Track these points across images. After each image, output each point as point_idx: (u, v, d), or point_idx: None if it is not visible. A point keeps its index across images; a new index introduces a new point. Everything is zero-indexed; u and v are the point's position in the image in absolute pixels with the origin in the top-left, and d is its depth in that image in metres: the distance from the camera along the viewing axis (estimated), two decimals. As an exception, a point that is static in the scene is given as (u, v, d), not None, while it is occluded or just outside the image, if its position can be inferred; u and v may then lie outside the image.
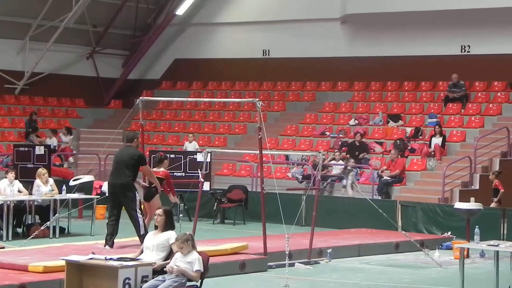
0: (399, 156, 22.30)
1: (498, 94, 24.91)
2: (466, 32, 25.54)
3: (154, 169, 14.86)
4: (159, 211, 10.56)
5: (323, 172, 21.35)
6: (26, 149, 22.54)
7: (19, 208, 17.18)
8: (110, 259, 9.98)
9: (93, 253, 10.45)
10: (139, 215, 13.71)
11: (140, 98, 15.54)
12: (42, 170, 17.72)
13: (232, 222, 20.56)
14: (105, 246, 13.76)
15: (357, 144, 23.60)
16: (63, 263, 10.38)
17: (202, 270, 9.92)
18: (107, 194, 20.75)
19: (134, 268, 9.82)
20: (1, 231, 16.63)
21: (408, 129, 24.32)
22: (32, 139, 25.96)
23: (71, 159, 26.56)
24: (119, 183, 13.69)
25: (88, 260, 10.06)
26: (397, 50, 26.51)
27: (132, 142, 14.00)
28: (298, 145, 25.36)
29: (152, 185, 14.40)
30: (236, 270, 13.29)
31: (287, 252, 13.07)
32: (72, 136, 26.85)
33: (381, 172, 21.98)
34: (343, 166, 22.78)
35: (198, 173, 16.19)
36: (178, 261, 9.90)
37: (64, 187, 17.64)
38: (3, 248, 14.51)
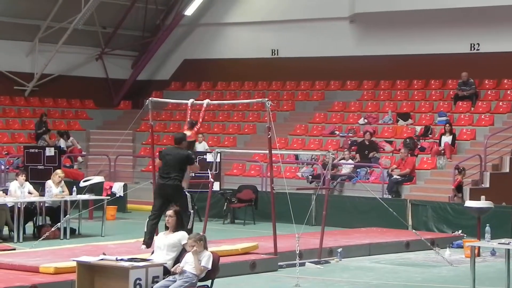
0: (409, 155, 22.28)
1: (508, 92, 24.85)
2: (475, 30, 25.49)
3: (186, 133, 14.85)
4: (170, 212, 10.57)
5: (332, 172, 21.33)
6: (36, 150, 22.60)
7: (30, 210, 17.23)
8: (121, 259, 10.00)
9: (104, 253, 10.48)
10: (191, 211, 13.92)
11: (150, 99, 15.55)
12: (59, 171, 17.85)
13: (242, 222, 20.57)
14: (142, 245, 13.75)
15: (367, 143, 23.58)
16: (74, 264, 10.41)
17: (209, 267, 9.92)
18: (117, 195, 21.00)
19: (145, 268, 9.84)
20: (12, 232, 16.69)
21: (418, 128, 24.28)
22: (46, 139, 26.06)
23: (79, 158, 26.60)
24: (170, 184, 13.80)
25: (99, 261, 10.09)
26: (406, 49, 26.48)
27: (181, 144, 14.16)
28: (308, 145, 25.35)
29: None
30: (246, 270, 13.30)
31: (297, 252, 13.06)
32: (72, 138, 26.80)
33: (391, 171, 21.96)
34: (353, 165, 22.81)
35: (208, 173, 16.19)
36: (190, 261, 9.92)
37: (74, 188, 17.68)
38: (14, 249, 14.57)
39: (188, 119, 15.33)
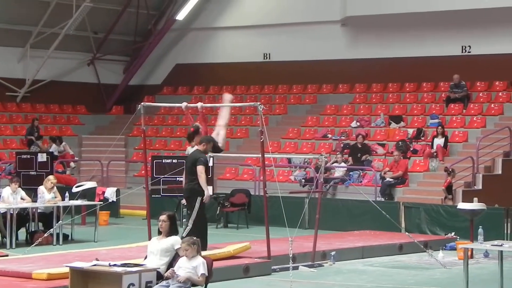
0: (402, 157, 22.30)
1: (500, 94, 24.92)
2: (467, 32, 25.56)
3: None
4: (163, 217, 10.54)
5: (325, 175, 21.32)
6: (28, 156, 22.57)
7: (23, 216, 17.18)
8: (114, 265, 9.98)
9: (96, 259, 10.45)
10: (192, 221, 13.51)
11: (142, 103, 15.54)
12: (51, 177, 17.80)
13: (236, 226, 20.55)
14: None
15: (359, 146, 23.60)
16: (67, 270, 10.38)
17: (207, 274, 9.93)
18: (110, 200, 20.97)
19: (138, 273, 9.81)
20: (4, 239, 16.64)
21: (410, 130, 24.33)
22: (39, 145, 26.01)
23: (72, 164, 26.56)
24: (186, 188, 13.83)
25: (92, 267, 10.06)
26: (398, 52, 26.53)
27: (200, 145, 14.02)
28: (300, 148, 25.36)
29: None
30: (240, 274, 13.28)
31: (290, 255, 13.05)
32: (64, 143, 26.75)
33: (383, 174, 21.98)
34: (345, 169, 22.83)
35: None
36: (183, 266, 9.91)
37: (67, 194, 17.64)
38: (7, 256, 14.51)
39: (191, 128, 14.76)
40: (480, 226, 13.18)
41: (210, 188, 19.21)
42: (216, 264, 11.17)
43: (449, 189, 20.41)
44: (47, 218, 17.29)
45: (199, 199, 13.63)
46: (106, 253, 13.81)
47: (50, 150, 25.08)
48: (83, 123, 29.92)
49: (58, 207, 17.10)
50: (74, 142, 28.23)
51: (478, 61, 25.23)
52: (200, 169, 13.58)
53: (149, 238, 13.05)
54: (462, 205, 16.25)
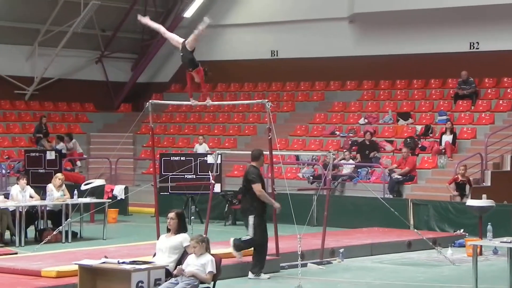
0: (410, 154, 22.27)
1: (508, 90, 24.86)
2: (475, 29, 25.50)
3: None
4: (172, 215, 10.56)
5: (333, 172, 21.31)
6: (37, 154, 22.62)
7: (31, 214, 17.22)
8: (123, 262, 10.00)
9: (105, 257, 10.48)
10: (251, 237, 13.31)
11: (150, 101, 15.56)
12: (59, 175, 17.85)
13: (244, 224, 20.51)
14: None
15: (367, 143, 23.57)
16: (76, 267, 10.41)
17: (215, 271, 9.95)
18: (118, 198, 21.01)
19: (147, 271, 9.84)
20: (13, 236, 16.69)
21: (418, 127, 24.29)
22: (44, 144, 26.04)
23: (78, 163, 26.58)
24: (242, 207, 13.71)
25: (101, 264, 10.09)
26: (406, 48, 26.48)
27: (258, 161, 13.50)
28: (308, 145, 25.35)
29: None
30: (248, 272, 13.27)
31: (299, 253, 13.05)
32: (74, 140, 26.73)
33: (388, 170, 21.90)
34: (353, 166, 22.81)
35: (209, 175, 16.19)
36: (191, 264, 9.93)
37: (75, 192, 17.68)
38: (16, 253, 14.56)
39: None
40: (489, 223, 13.14)
41: (218, 185, 19.33)
42: (224, 262, 11.19)
43: (460, 186, 20.23)
44: (55, 216, 17.33)
45: (251, 217, 13.31)
46: (115, 250, 13.84)
47: (57, 148, 25.10)
48: (91, 121, 29.97)
49: (66, 204, 17.15)
50: (83, 140, 28.26)
51: (486, 57, 25.16)
52: (256, 187, 13.15)
53: (158, 236, 13.10)
54: (470, 202, 16.23)
